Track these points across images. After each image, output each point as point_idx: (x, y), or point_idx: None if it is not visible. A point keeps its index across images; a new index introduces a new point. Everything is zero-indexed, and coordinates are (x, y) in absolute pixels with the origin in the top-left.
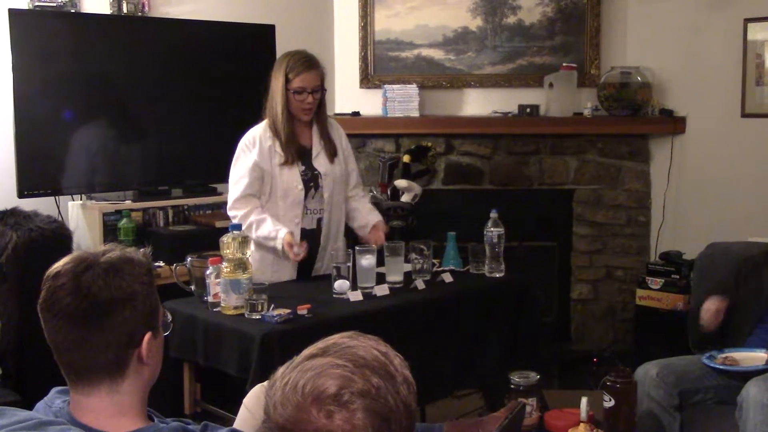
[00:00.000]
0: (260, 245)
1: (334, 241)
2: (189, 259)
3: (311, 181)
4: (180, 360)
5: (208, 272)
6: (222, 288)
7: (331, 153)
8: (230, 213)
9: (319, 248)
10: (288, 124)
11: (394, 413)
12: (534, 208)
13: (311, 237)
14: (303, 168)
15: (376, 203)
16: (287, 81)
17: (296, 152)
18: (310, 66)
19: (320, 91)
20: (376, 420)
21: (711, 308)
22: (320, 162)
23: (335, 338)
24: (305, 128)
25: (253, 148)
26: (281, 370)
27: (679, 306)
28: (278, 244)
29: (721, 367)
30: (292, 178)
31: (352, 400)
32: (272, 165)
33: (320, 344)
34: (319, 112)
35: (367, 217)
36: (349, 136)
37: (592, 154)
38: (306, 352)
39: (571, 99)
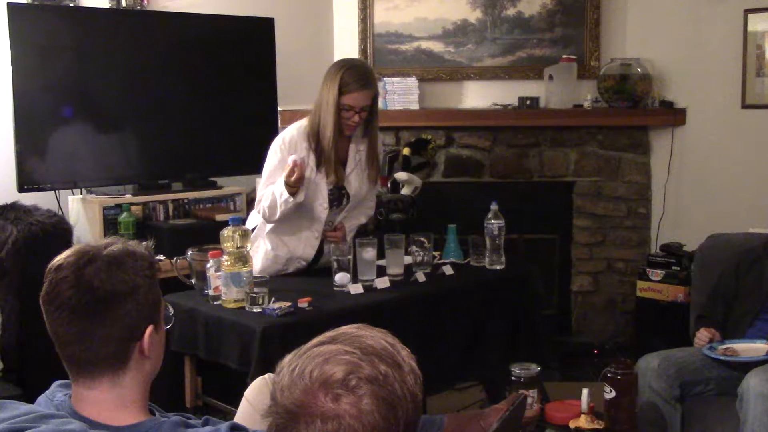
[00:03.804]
0: (275, 238)
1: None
2: (189, 252)
3: (336, 200)
4: (181, 353)
5: (208, 266)
6: (222, 281)
7: (374, 174)
8: (256, 210)
9: (323, 255)
10: (336, 144)
11: (400, 401)
12: (534, 200)
13: (321, 247)
14: (331, 187)
15: (377, 196)
16: (340, 94)
17: (338, 171)
18: (365, 85)
19: (369, 109)
20: (383, 406)
21: (704, 338)
22: (351, 181)
23: (344, 328)
24: (344, 142)
25: (288, 152)
26: (289, 357)
27: (680, 298)
28: (284, 192)
29: (721, 358)
30: (318, 194)
31: (360, 385)
32: None
33: (329, 333)
34: (371, 129)
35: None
36: None
37: (592, 146)
38: (314, 340)
39: (571, 91)
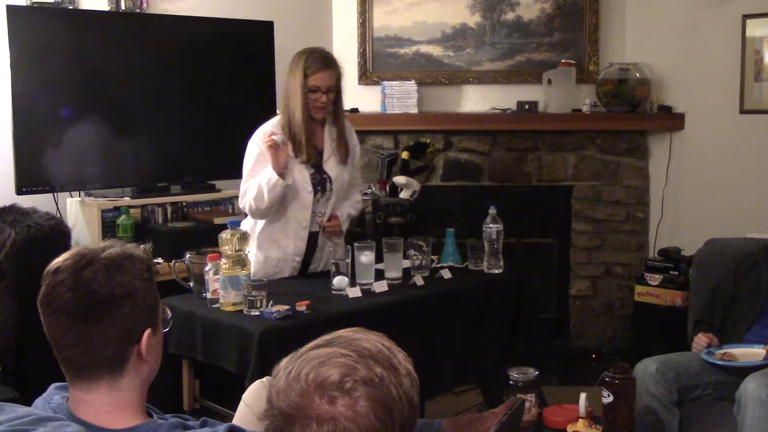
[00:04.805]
0: (264, 244)
1: (331, 243)
2: (188, 255)
3: (319, 184)
4: (179, 356)
5: (206, 269)
6: (221, 284)
7: (343, 156)
8: (240, 205)
9: (317, 249)
10: (306, 126)
11: (396, 403)
12: (533, 204)
13: (314, 239)
14: (312, 171)
15: (375, 200)
16: (305, 77)
17: (314, 153)
18: (327, 65)
19: (335, 91)
20: (379, 408)
21: (702, 343)
22: (330, 165)
23: (340, 332)
24: (318, 129)
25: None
26: (285, 360)
27: (678, 302)
28: (273, 175)
29: (719, 362)
30: (301, 180)
31: (355, 387)
32: None
33: (325, 337)
34: (336, 112)
35: (336, 211)
36: None
37: (590, 150)
38: (311, 344)
39: (569, 95)
